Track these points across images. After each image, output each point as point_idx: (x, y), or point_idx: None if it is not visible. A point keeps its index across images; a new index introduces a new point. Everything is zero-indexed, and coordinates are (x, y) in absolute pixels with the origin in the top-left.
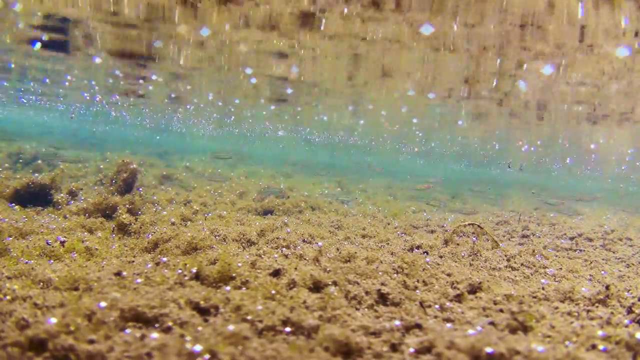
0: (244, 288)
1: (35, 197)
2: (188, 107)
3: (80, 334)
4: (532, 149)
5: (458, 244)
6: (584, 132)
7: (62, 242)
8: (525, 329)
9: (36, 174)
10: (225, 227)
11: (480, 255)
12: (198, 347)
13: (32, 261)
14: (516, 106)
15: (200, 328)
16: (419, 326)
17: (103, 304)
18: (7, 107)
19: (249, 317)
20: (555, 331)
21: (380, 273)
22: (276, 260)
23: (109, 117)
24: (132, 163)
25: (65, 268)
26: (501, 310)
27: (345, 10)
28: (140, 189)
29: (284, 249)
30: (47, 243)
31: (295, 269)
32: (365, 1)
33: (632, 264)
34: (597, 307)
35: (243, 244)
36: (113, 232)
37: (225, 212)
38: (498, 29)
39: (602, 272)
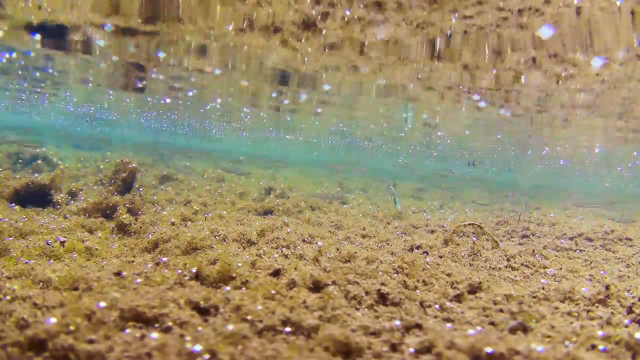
0: (244, 288)
1: (35, 197)
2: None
3: (80, 334)
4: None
5: (458, 244)
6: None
7: (62, 242)
8: (525, 329)
9: (36, 174)
10: (225, 227)
11: (480, 255)
12: (198, 347)
13: (32, 261)
14: (517, 103)
15: (200, 328)
16: (419, 326)
17: (103, 303)
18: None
19: (248, 317)
20: (555, 331)
21: (380, 273)
22: (276, 260)
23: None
24: (131, 162)
25: (65, 268)
26: (501, 310)
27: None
28: (141, 189)
29: (284, 249)
30: (47, 243)
31: (295, 269)
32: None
33: (632, 264)
34: (597, 307)
35: (243, 244)
36: (113, 232)
37: (225, 212)
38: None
39: (602, 272)
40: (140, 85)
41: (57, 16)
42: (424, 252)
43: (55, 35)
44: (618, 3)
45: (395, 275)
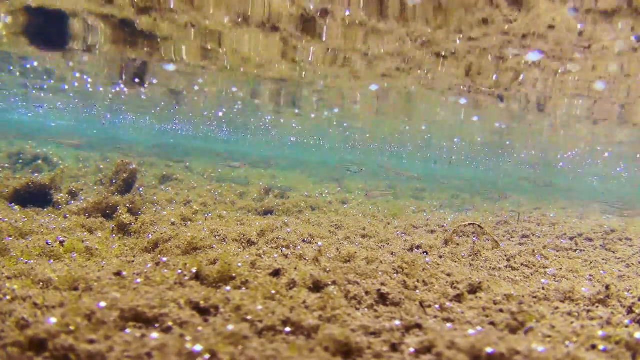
0: (244, 288)
1: (35, 197)
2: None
3: (80, 333)
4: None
5: (458, 244)
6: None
7: (62, 242)
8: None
9: (36, 174)
10: (225, 227)
11: (480, 255)
12: (198, 347)
13: (32, 261)
14: (516, 101)
15: (200, 328)
16: (419, 326)
17: (103, 303)
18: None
19: (249, 317)
20: (555, 331)
21: (380, 273)
22: (276, 260)
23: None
24: (132, 163)
25: (66, 268)
26: (501, 310)
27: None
28: (141, 189)
29: (284, 249)
30: (47, 243)
31: (295, 269)
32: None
33: (632, 264)
34: (597, 307)
35: (243, 244)
36: (113, 232)
37: (225, 212)
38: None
39: (602, 272)
40: (140, 80)
41: (54, 1)
42: (424, 252)
43: (54, 35)
44: (620, 26)
45: (395, 275)
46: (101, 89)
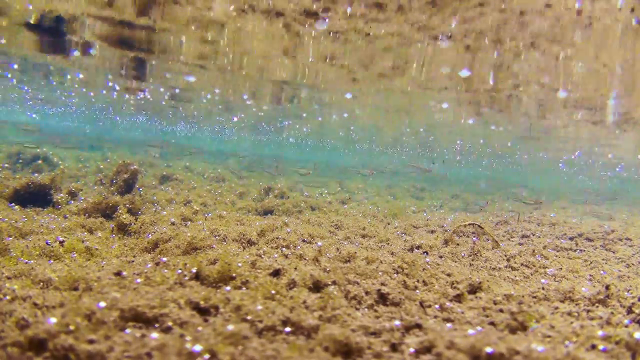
0: (244, 288)
1: (35, 197)
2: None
3: (80, 333)
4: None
5: (458, 244)
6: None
7: (62, 242)
8: (525, 329)
9: (36, 174)
10: (225, 227)
11: (481, 255)
12: (198, 347)
13: (32, 261)
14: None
15: (200, 328)
16: (419, 326)
17: (103, 303)
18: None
19: (248, 317)
20: (555, 331)
21: (380, 273)
22: (276, 260)
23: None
24: (133, 164)
25: (66, 268)
26: (501, 310)
27: (349, 10)
28: (140, 189)
29: (283, 249)
30: (47, 243)
31: (295, 269)
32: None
33: (632, 264)
34: (597, 307)
35: (243, 244)
36: (113, 232)
37: (225, 212)
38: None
39: (602, 272)
40: (142, 85)
41: (55, 5)
42: (424, 252)
43: (53, 34)
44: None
45: (395, 275)
46: (127, 97)
